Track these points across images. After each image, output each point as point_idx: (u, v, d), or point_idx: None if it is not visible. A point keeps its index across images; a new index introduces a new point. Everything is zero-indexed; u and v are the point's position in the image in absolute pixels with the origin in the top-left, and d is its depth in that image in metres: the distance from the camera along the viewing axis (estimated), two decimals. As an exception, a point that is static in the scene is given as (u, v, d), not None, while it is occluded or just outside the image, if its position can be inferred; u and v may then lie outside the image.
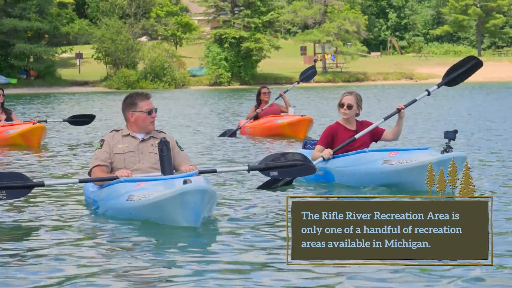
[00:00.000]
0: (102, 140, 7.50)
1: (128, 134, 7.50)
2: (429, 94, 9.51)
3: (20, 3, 62.73)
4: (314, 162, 8.70)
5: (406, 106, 9.15)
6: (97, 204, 7.34)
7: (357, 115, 9.12)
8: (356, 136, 8.97)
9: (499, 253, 5.40)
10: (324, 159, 8.94)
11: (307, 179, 9.22)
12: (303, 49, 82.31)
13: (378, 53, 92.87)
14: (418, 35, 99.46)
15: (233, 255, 5.55)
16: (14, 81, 60.22)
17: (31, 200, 8.08)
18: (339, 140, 9.04)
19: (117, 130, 7.62)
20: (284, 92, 16.86)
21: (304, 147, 9.98)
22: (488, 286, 4.72)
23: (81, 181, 7.39)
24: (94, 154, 7.56)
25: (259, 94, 16.80)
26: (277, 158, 7.63)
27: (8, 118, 15.12)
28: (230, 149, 13.78)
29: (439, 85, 9.55)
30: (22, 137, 14.45)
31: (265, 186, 8.75)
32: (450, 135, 8.44)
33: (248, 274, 5.06)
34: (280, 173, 7.59)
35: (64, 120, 16.07)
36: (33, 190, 7.59)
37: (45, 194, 8.50)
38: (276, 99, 16.80)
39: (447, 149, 8.31)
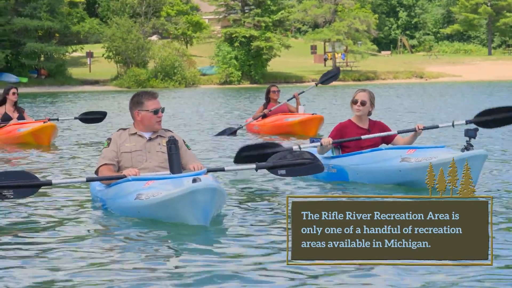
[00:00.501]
0: (109, 139, 7.53)
1: (135, 133, 7.52)
2: (453, 126, 9.42)
3: (31, 2, 62.83)
4: (318, 149, 8.92)
5: (425, 128, 9.14)
6: (105, 202, 7.35)
7: (370, 113, 9.08)
8: (363, 137, 8.91)
9: (499, 253, 5.42)
10: (321, 146, 8.91)
11: (319, 177, 9.14)
12: (314, 48, 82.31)
13: (389, 52, 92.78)
14: (428, 34, 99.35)
15: (233, 255, 5.56)
16: (24, 80, 60.36)
17: (39, 198, 8.09)
18: (349, 137, 9.00)
19: (124, 129, 7.64)
20: (299, 94, 16.74)
21: None
22: (488, 286, 4.74)
23: (88, 180, 7.36)
24: (101, 152, 7.57)
25: (268, 92, 16.77)
26: (284, 157, 7.63)
27: (20, 117, 15.19)
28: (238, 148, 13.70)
29: (467, 122, 9.38)
30: (32, 136, 14.51)
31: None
32: (471, 133, 8.39)
33: (248, 274, 5.06)
34: (288, 171, 7.57)
35: (76, 118, 16.06)
36: (41, 189, 7.59)
37: (53, 193, 8.52)
38: (289, 100, 16.74)
39: (468, 147, 8.24)
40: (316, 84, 16.95)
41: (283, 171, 7.56)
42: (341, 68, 73.30)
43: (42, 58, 63.68)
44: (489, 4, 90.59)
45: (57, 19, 63.28)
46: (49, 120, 15.37)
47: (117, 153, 7.42)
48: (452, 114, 22.73)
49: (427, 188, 7.62)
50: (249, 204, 7.77)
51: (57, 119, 16.37)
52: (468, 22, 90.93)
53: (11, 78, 59.05)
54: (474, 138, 8.41)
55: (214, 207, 6.35)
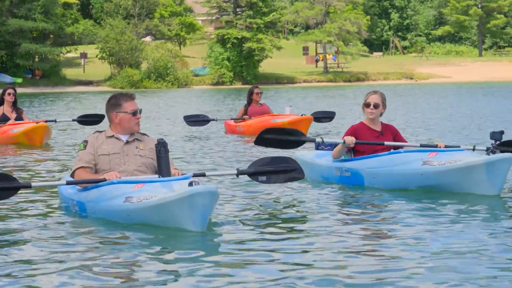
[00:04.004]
0: (86, 141, 7.30)
1: (113, 136, 7.32)
2: (473, 150, 8.79)
3: (26, 3, 63.41)
4: (335, 150, 8.69)
5: (446, 147, 8.55)
6: (83, 206, 7.06)
7: (381, 114, 8.85)
8: (386, 143, 8.68)
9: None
10: (344, 143, 8.60)
11: (330, 180, 8.98)
12: (305, 49, 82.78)
13: (380, 53, 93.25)
14: (420, 35, 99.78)
15: (233, 256, 5.49)
16: (19, 80, 60.78)
17: (18, 201, 7.82)
18: (362, 140, 8.72)
19: (100, 132, 7.44)
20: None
21: (317, 148, 9.66)
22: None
23: (68, 183, 7.10)
24: (77, 155, 7.30)
25: (251, 93, 16.83)
26: (266, 163, 7.46)
27: (19, 117, 15.20)
28: (227, 150, 13.65)
29: (488, 149, 8.72)
30: (25, 136, 14.53)
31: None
32: (497, 136, 8.18)
33: (248, 275, 4.97)
34: (268, 178, 7.43)
35: (73, 120, 15.92)
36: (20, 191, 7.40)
37: (33, 195, 8.27)
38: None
39: (494, 150, 8.02)
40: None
41: (263, 178, 7.40)
42: (332, 69, 74.13)
43: (36, 59, 64.16)
44: (479, 6, 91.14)
45: (51, 20, 63.82)
46: (46, 121, 15.28)
47: (94, 156, 7.20)
48: (454, 114, 22.96)
49: (449, 192, 7.87)
50: (247, 204, 7.72)
51: (55, 121, 16.35)
52: (459, 23, 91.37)
53: (6, 78, 59.42)
54: (500, 140, 8.19)
55: (212, 211, 6.22)
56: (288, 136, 8.62)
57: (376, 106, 8.72)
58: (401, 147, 8.76)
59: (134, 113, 7.28)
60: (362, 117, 9.12)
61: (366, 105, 8.78)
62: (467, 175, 7.78)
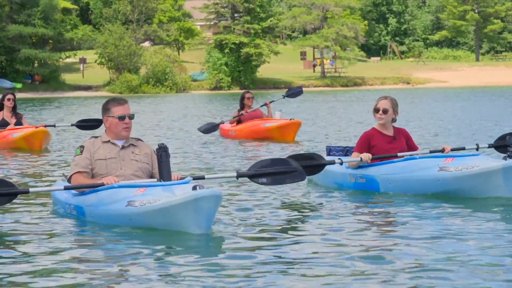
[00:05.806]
0: (82, 146, 7.32)
1: (108, 141, 7.34)
2: (477, 149, 9.26)
3: (26, 9, 63.93)
4: (351, 164, 8.69)
5: (453, 149, 8.95)
6: (82, 210, 7.07)
7: (394, 120, 8.81)
8: (399, 154, 8.64)
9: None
10: (361, 160, 8.56)
11: (344, 187, 8.93)
12: (303, 54, 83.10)
13: (378, 58, 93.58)
14: (417, 40, 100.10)
15: (236, 257, 5.50)
16: (19, 85, 61.12)
17: (16, 207, 7.81)
18: (376, 145, 8.71)
19: (96, 137, 7.45)
20: (270, 102, 17.24)
21: (328, 154, 9.62)
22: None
23: (66, 188, 7.08)
24: (73, 160, 7.31)
25: (243, 98, 17.14)
26: (266, 165, 7.41)
27: (18, 122, 15.35)
28: (221, 154, 13.75)
29: (489, 145, 9.42)
30: (24, 141, 14.65)
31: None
32: None
33: (249, 276, 4.98)
34: (269, 180, 7.38)
35: (72, 125, 15.91)
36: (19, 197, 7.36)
37: (31, 200, 8.26)
38: (261, 106, 17.26)
39: (510, 154, 7.92)
40: (284, 97, 17.75)
41: (264, 180, 7.35)
42: (329, 74, 74.21)
43: (36, 64, 64.55)
44: (476, 11, 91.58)
45: (50, 26, 64.25)
46: (46, 126, 15.33)
47: (91, 161, 7.21)
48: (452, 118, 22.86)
49: (465, 197, 7.89)
50: (247, 205, 7.76)
51: (54, 125, 16.36)
52: (456, 28, 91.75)
53: (6, 83, 59.69)
54: None
55: (215, 214, 6.27)
56: (310, 161, 8.45)
57: (385, 111, 8.69)
58: (409, 148, 8.83)
59: (121, 118, 7.26)
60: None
61: (376, 110, 8.77)
62: (484, 181, 7.79)
